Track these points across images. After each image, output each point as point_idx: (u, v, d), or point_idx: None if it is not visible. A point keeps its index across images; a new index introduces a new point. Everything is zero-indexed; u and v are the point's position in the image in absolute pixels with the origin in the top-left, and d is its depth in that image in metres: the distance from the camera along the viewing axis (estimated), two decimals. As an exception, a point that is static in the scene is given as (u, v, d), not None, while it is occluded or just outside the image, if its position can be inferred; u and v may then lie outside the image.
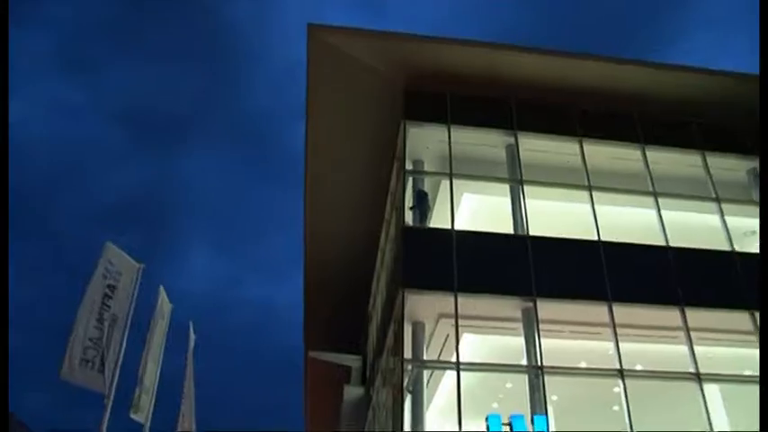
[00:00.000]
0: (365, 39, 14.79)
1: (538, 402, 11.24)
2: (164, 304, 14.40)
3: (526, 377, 11.66)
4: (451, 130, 14.34)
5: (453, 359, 11.64)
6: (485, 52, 14.82)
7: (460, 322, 11.80)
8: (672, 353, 12.75)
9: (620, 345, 12.07)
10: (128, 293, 12.31)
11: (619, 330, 12.21)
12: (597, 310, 12.48)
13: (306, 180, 17.58)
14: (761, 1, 12.12)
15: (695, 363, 12.09)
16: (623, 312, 12.41)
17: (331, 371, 22.99)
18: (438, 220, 13.82)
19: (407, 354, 12.22)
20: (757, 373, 10.90)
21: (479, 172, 14.36)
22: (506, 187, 14.16)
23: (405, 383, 11.72)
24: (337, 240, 19.72)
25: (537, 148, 14.63)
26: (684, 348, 12.33)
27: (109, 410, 10.97)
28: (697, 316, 12.56)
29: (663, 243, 13.58)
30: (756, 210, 14.08)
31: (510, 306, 12.46)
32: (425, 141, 14.61)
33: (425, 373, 12.62)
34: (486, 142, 14.70)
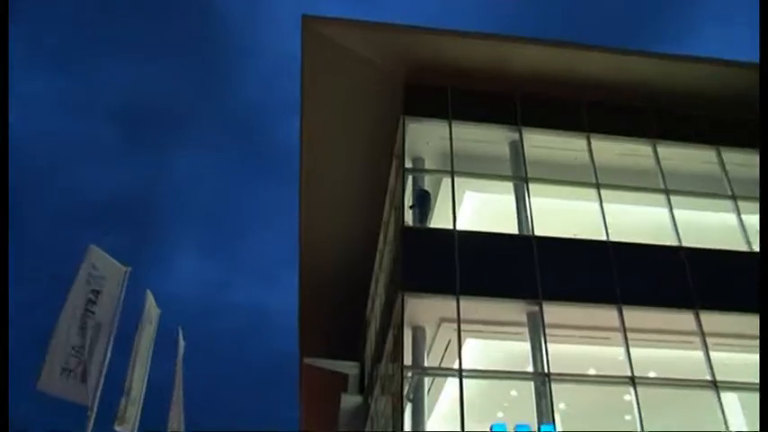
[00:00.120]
0: (362, 30, 14.77)
1: (544, 411, 11.16)
2: (151, 309, 14.29)
3: (532, 384, 11.58)
4: (453, 125, 14.29)
5: (455, 366, 11.57)
6: (487, 44, 14.79)
7: (463, 327, 11.73)
8: (686, 359, 12.68)
9: (632, 350, 11.98)
10: (113, 298, 12.19)
11: (629, 335, 12.13)
12: (606, 314, 12.41)
13: (300, 178, 17.56)
14: (761, 1, 12.18)
15: (711, 370, 11.97)
16: (634, 316, 12.32)
17: (327, 378, 22.89)
18: (439, 219, 13.82)
19: (407, 360, 12.17)
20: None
21: (482, 169, 14.33)
22: (510, 185, 14.12)
23: (405, 391, 11.66)
24: (334, 241, 19.68)
25: (542, 143, 14.57)
26: (700, 354, 12.22)
27: (92, 423, 10.84)
28: (712, 320, 12.46)
29: (675, 243, 13.49)
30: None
31: (515, 310, 12.40)
32: (426, 137, 14.58)
33: (426, 381, 12.55)
34: (489, 138, 14.66)
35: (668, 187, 14.33)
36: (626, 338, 12.09)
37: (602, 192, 13.94)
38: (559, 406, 11.39)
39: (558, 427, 11.13)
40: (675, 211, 13.97)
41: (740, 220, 14.12)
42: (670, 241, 13.55)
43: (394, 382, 12.35)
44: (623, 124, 15.07)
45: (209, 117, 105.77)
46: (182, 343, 16.72)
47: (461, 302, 11.90)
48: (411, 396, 11.96)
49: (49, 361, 10.47)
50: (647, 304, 12.53)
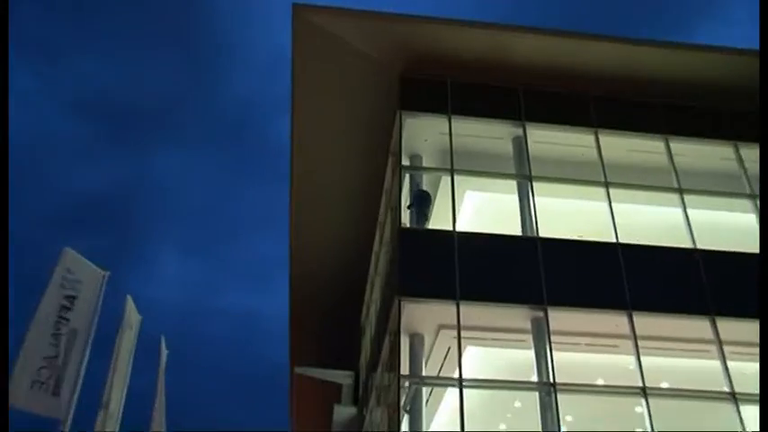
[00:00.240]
0: (356, 19, 14.67)
1: (550, 423, 11.08)
2: (131, 315, 14.21)
3: (537, 395, 11.50)
4: (452, 120, 14.27)
5: (455, 375, 11.53)
6: (488, 33, 14.74)
7: (463, 334, 11.67)
8: (702, 369, 12.61)
9: (643, 359, 11.88)
10: (90, 304, 12.12)
11: (640, 343, 12.03)
12: (616, 320, 12.32)
13: (291, 176, 17.57)
14: (761, 2, 12.19)
15: (729, 380, 11.84)
16: (645, 323, 12.23)
17: (320, 389, 23.02)
18: (438, 220, 13.73)
19: (404, 369, 12.09)
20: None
21: (483, 167, 14.30)
22: (513, 184, 14.08)
23: (402, 402, 11.57)
24: (327, 243, 19.70)
25: (547, 139, 14.53)
26: (716, 364, 12.10)
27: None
28: (730, 326, 12.33)
29: (690, 245, 13.42)
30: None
31: (518, 316, 12.33)
32: (424, 134, 14.57)
33: (424, 391, 12.44)
34: (490, 134, 14.64)
35: (682, 186, 14.24)
36: (636, 346, 11.99)
37: (611, 190, 13.88)
38: (566, 418, 11.32)
39: (565, 440, 11.04)
40: (689, 211, 13.88)
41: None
42: (684, 243, 13.47)
43: (390, 393, 12.29)
44: (633, 118, 15.01)
45: (196, 113, 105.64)
46: (164, 352, 16.67)
47: (461, 308, 11.83)
48: (408, 407, 11.85)
49: (18, 373, 10.36)
50: (659, 310, 12.43)
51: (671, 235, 13.61)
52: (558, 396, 11.24)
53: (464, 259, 12.39)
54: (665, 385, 12.07)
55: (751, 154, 14.80)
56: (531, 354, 11.97)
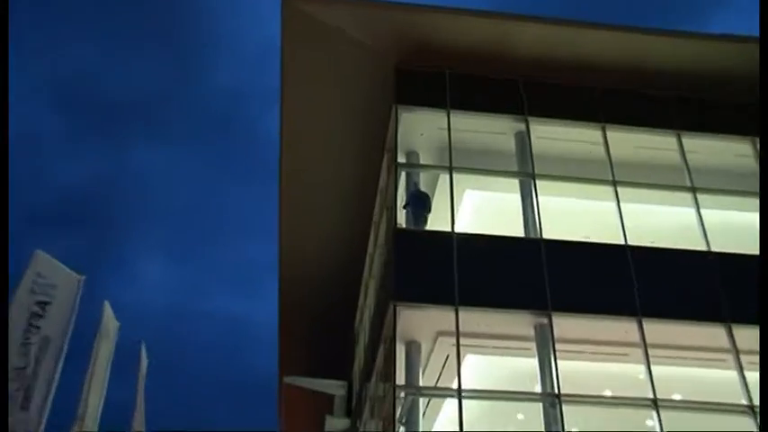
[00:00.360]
0: (350, 7, 14.65)
1: (555, 437, 11.05)
2: (109, 322, 14.16)
3: (540, 407, 11.43)
4: (451, 115, 14.23)
5: (454, 385, 11.46)
6: (489, 23, 14.81)
7: (462, 341, 11.60)
8: (717, 379, 12.51)
9: (654, 369, 11.79)
10: (64, 310, 12.03)
11: (651, 351, 11.95)
12: (625, 327, 12.25)
13: (280, 175, 17.61)
14: (761, 2, 12.22)
15: (747, 392, 11.75)
16: (656, 330, 12.15)
17: (311, 399, 23.12)
18: (436, 221, 13.65)
19: (400, 379, 11.98)
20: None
21: (484, 164, 14.29)
22: (516, 182, 14.06)
23: (397, 414, 11.53)
24: (318, 245, 19.74)
25: (552, 135, 14.49)
26: (733, 374, 12.02)
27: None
28: (747, 334, 12.08)
29: (704, 247, 13.37)
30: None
31: (521, 322, 12.26)
32: (420, 129, 14.53)
33: (421, 402, 12.40)
34: (491, 129, 14.63)
35: (695, 184, 14.21)
36: (647, 355, 11.92)
37: (620, 189, 13.84)
38: (572, 431, 11.14)
39: (571, 455, 11.00)
40: (703, 211, 13.84)
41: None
42: (697, 245, 13.41)
43: (385, 404, 12.24)
44: (643, 112, 14.98)
45: (180, 106, 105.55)
46: (144, 360, 16.65)
47: (461, 314, 11.76)
48: (404, 419, 11.84)
49: (-20, 385, 10.22)
50: (671, 316, 12.35)
51: (683, 236, 13.57)
52: (564, 408, 11.14)
53: (463, 262, 12.32)
54: (677, 397, 12.02)
55: (769, 150, 14.84)
56: (534, 362, 11.92)
